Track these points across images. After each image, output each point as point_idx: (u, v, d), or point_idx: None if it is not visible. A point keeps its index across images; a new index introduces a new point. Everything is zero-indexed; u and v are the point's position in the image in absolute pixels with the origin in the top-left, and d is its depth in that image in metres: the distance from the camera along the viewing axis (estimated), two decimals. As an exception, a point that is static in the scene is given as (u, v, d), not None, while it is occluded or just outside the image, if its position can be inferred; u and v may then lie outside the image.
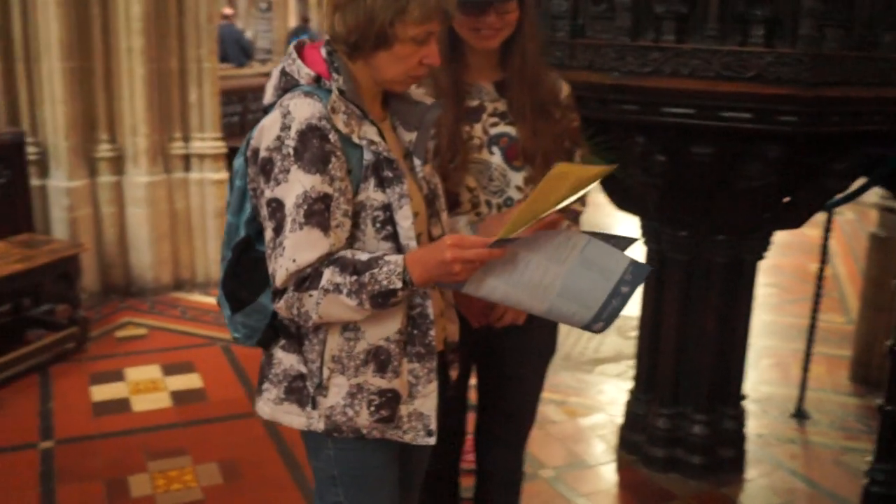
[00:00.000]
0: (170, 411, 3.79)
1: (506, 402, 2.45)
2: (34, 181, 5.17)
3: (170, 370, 4.19)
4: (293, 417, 1.79)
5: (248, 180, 1.74)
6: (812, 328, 3.80)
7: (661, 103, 2.54)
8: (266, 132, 1.66)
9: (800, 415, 3.80)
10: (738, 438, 3.25)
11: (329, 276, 1.62)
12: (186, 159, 5.62)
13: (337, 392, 1.75)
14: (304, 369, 1.77)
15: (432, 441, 1.82)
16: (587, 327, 1.71)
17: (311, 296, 1.63)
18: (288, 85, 1.72)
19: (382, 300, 1.63)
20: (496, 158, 2.17)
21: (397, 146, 1.82)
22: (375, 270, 1.62)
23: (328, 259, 1.64)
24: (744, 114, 2.47)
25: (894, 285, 3.41)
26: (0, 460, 3.35)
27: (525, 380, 2.45)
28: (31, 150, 5.18)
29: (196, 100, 5.64)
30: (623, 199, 3.10)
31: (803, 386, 3.81)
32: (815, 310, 3.77)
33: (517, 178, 2.18)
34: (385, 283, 1.62)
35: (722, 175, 2.70)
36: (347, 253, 1.66)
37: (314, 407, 1.77)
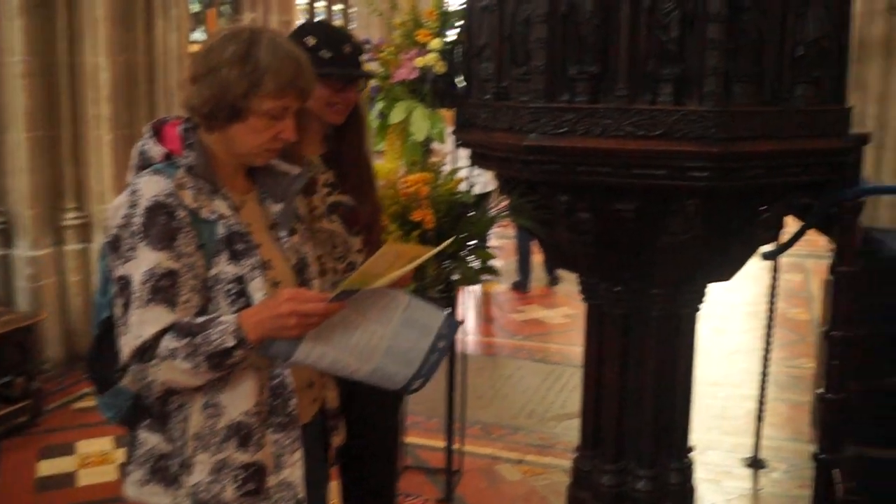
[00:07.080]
0: (115, 484, 3.75)
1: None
2: (-3, 252, 5.20)
3: (123, 441, 4.14)
4: (159, 498, 1.76)
5: (107, 261, 1.75)
6: (764, 374, 3.80)
7: (576, 163, 2.55)
8: (116, 211, 1.69)
9: (755, 464, 3.78)
10: (685, 492, 3.20)
11: (166, 342, 1.61)
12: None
13: (201, 469, 1.73)
14: (168, 448, 1.75)
15: None
16: (408, 387, 1.72)
17: (152, 366, 1.62)
18: (144, 164, 1.75)
19: (218, 360, 1.60)
20: (336, 226, 2.36)
21: (262, 218, 1.84)
22: (209, 331, 1.60)
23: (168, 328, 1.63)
24: (658, 171, 2.49)
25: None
26: (-68, 538, 3.33)
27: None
28: (-6, 220, 5.23)
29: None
30: (556, 256, 3.11)
31: (758, 434, 3.79)
32: (765, 356, 3.77)
33: (356, 242, 2.39)
34: (218, 342, 1.59)
35: (647, 230, 2.71)
36: (186, 318, 1.65)
37: (179, 486, 1.75)
